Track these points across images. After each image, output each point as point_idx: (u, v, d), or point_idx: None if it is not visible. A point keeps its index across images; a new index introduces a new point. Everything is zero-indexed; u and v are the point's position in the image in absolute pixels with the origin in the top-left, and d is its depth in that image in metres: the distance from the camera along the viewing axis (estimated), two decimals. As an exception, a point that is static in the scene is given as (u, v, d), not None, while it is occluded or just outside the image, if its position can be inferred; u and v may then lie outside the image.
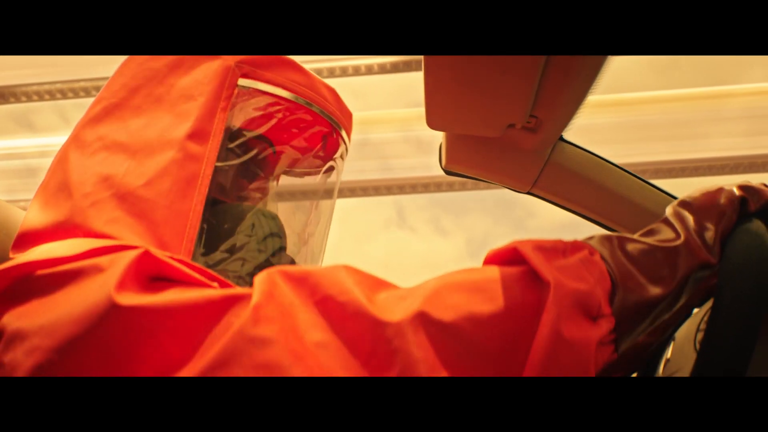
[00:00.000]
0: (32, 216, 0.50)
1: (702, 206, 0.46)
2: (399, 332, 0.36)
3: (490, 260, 0.45)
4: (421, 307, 0.37)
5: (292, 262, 0.67)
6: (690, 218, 0.45)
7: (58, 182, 0.52)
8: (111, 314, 0.36)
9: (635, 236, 0.45)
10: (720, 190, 0.46)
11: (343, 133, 0.70)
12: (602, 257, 0.42)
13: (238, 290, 0.40)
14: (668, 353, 0.62)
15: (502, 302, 0.38)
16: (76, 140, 0.54)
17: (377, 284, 0.42)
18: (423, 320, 0.37)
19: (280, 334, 0.36)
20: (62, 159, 0.53)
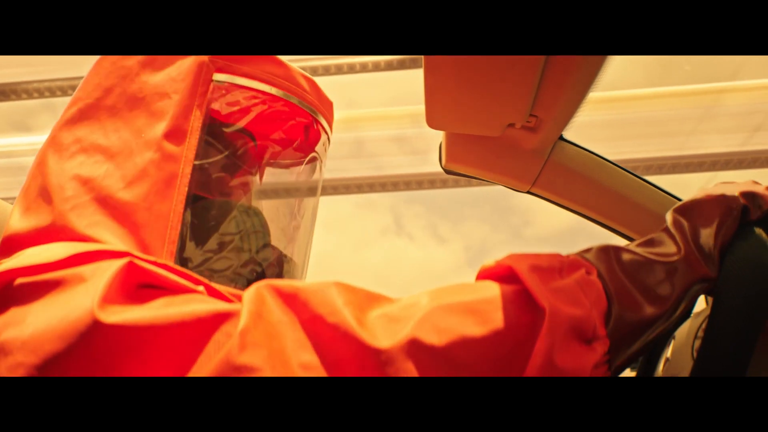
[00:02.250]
0: (15, 221, 0.50)
1: (702, 214, 0.45)
2: (389, 360, 0.36)
3: (484, 275, 0.44)
4: (412, 333, 0.37)
5: (281, 255, 0.66)
6: (689, 228, 0.45)
7: (38, 186, 0.51)
8: (94, 331, 0.35)
9: (633, 247, 0.45)
10: (721, 196, 0.46)
11: (324, 123, 0.69)
12: (599, 274, 0.41)
13: (227, 306, 0.39)
14: (668, 352, 0.62)
15: (495, 325, 0.38)
16: (53, 143, 0.53)
17: (369, 301, 0.41)
18: (414, 346, 0.36)
19: (266, 361, 0.35)
20: (41, 163, 0.53)
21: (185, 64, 0.55)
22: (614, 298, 0.40)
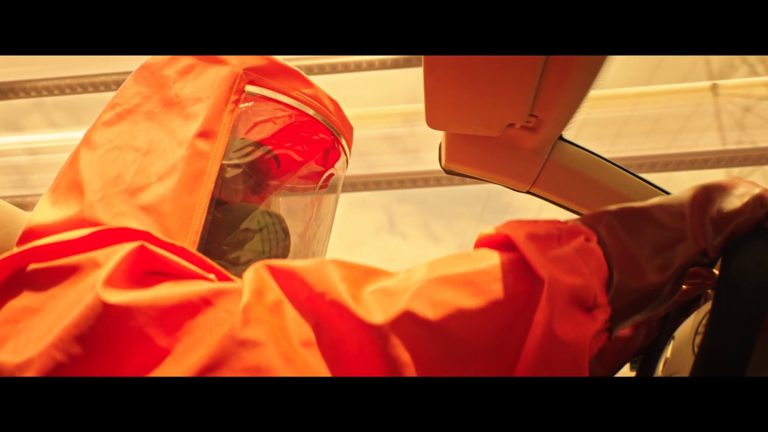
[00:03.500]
0: (40, 213, 0.51)
1: (729, 196, 0.44)
2: (383, 335, 0.35)
3: (482, 243, 0.43)
4: (406, 307, 0.36)
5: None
6: (708, 205, 0.44)
7: (69, 182, 0.53)
8: (99, 313, 0.36)
9: (640, 206, 0.43)
10: (759, 195, 0.45)
11: (344, 144, 0.72)
12: (599, 240, 0.41)
13: (227, 284, 0.39)
14: (667, 353, 0.62)
15: (492, 296, 0.37)
16: (87, 143, 0.55)
17: (366, 276, 0.40)
18: (409, 320, 0.36)
19: (269, 336, 0.35)
20: (73, 161, 0.54)
21: (221, 73, 0.59)
22: (615, 263, 0.40)
